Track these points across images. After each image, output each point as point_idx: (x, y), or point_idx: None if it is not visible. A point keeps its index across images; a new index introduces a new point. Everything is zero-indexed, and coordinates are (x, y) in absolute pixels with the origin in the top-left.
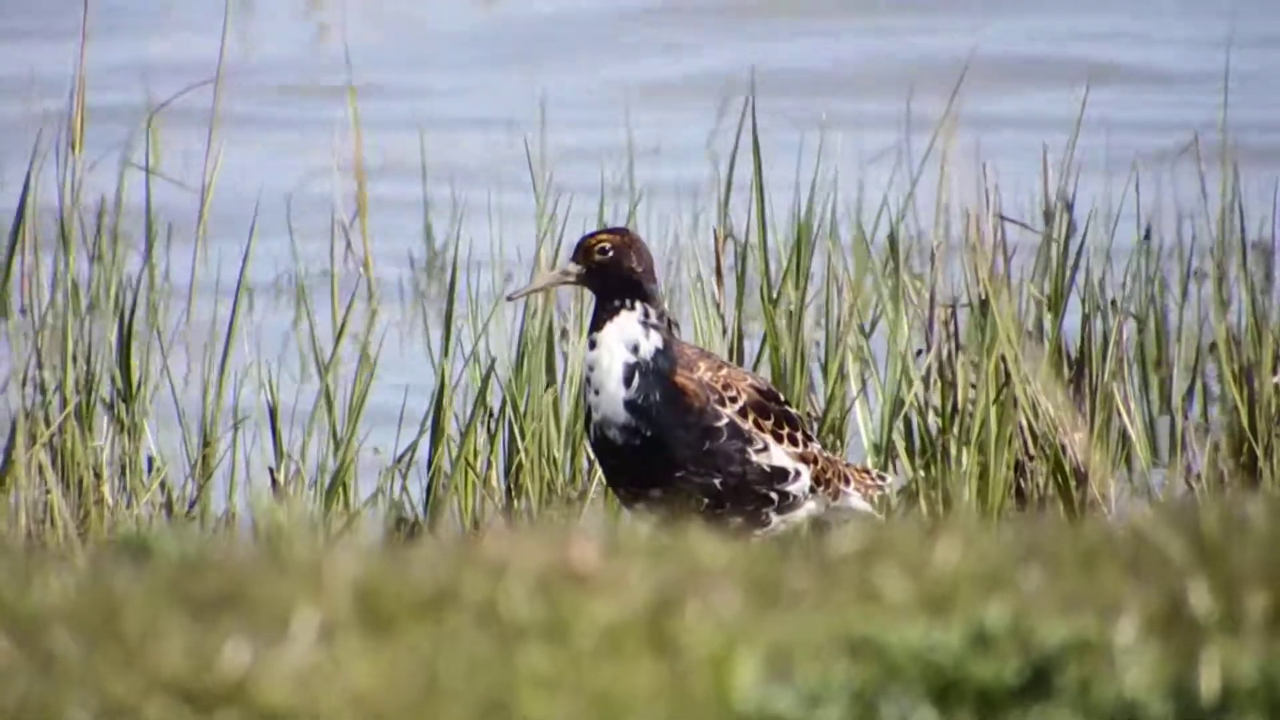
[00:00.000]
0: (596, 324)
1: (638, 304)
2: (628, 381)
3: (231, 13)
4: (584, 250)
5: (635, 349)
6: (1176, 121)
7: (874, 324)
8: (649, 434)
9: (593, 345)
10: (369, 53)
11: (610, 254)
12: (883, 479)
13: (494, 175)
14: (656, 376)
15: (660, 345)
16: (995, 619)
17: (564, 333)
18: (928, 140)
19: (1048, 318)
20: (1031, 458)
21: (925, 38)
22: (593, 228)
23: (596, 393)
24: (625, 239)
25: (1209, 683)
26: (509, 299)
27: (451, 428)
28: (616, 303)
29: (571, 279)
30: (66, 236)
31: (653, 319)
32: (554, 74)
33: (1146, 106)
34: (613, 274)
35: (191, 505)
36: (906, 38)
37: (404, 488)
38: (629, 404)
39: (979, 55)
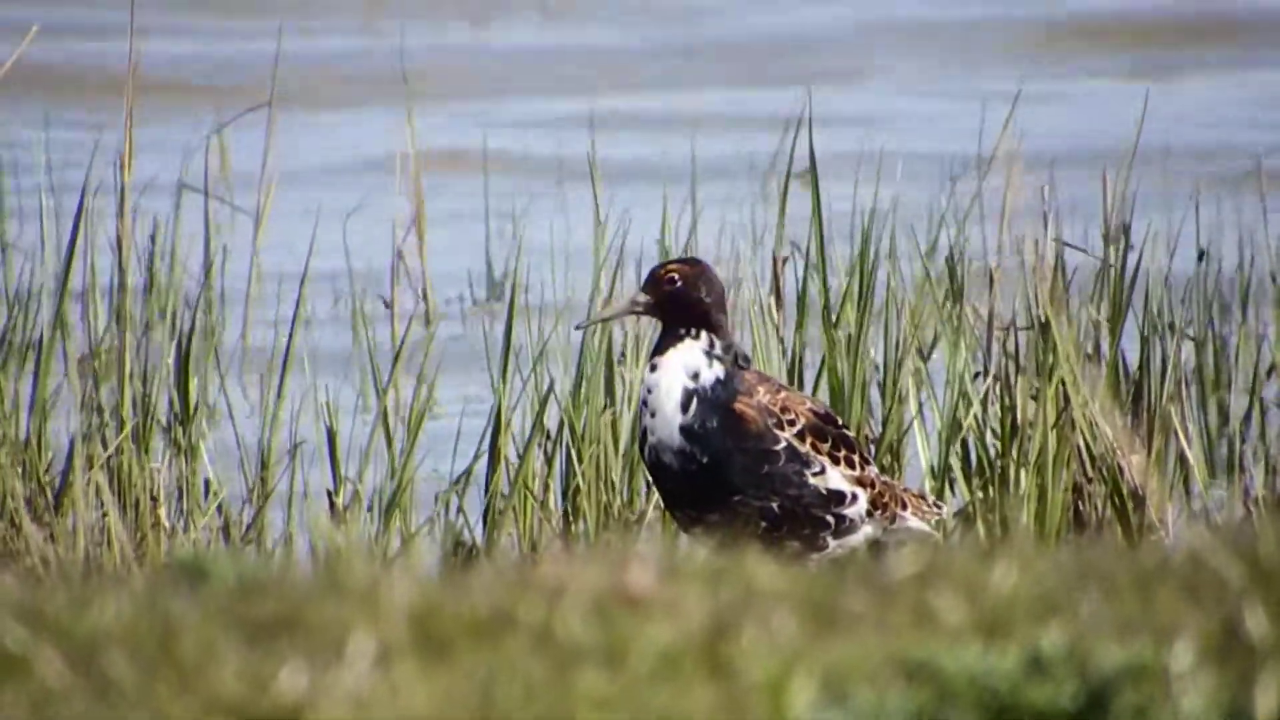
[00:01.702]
0: (659, 349)
1: (703, 334)
2: (685, 407)
3: (286, 33)
4: (654, 280)
5: (695, 376)
6: (1242, 145)
7: (933, 346)
8: (705, 460)
9: (654, 369)
10: (426, 60)
11: (679, 285)
12: (939, 506)
13: (556, 196)
14: (715, 405)
15: (721, 376)
16: (1052, 643)
17: (623, 355)
18: (988, 164)
19: (1106, 340)
20: (1090, 480)
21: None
22: (651, 248)
23: (653, 415)
24: (695, 270)
25: (1265, 707)
26: (577, 329)
27: (509, 450)
28: (682, 330)
29: (640, 309)
30: (123, 258)
31: (717, 350)
32: (609, 93)
33: (1208, 128)
34: (681, 304)
35: (248, 529)
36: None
37: (461, 511)
38: (685, 429)
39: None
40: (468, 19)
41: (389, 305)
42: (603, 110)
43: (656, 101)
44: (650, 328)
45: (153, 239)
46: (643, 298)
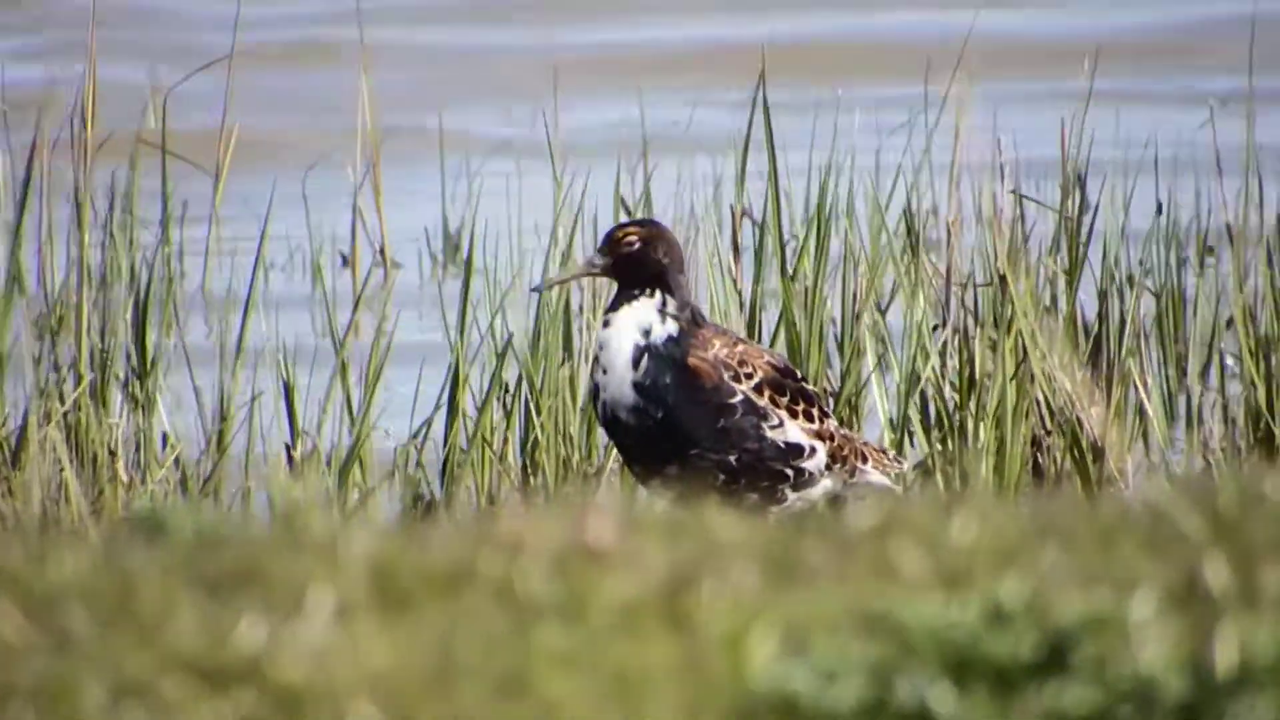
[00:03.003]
0: (613, 306)
1: (658, 292)
2: (636, 363)
3: None
4: (611, 242)
5: (647, 332)
6: (1195, 92)
7: (890, 300)
8: (659, 415)
9: (606, 324)
10: (387, 15)
11: (637, 246)
12: (899, 460)
13: (511, 148)
14: (667, 360)
15: (674, 333)
16: (1011, 595)
17: (580, 309)
18: (942, 114)
19: (1064, 293)
20: (1049, 433)
21: (938, 13)
22: (608, 203)
23: (605, 372)
24: (653, 231)
25: (1226, 658)
26: (534, 291)
27: (468, 405)
28: (637, 290)
29: (598, 270)
30: (80, 213)
31: (671, 308)
32: (569, 45)
33: (1159, 78)
34: (638, 265)
35: (206, 483)
36: (922, 13)
37: (420, 465)
38: (637, 385)
39: (989, 33)
40: None
41: (348, 261)
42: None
43: (610, 54)
44: (607, 284)
45: (111, 193)
46: (599, 259)
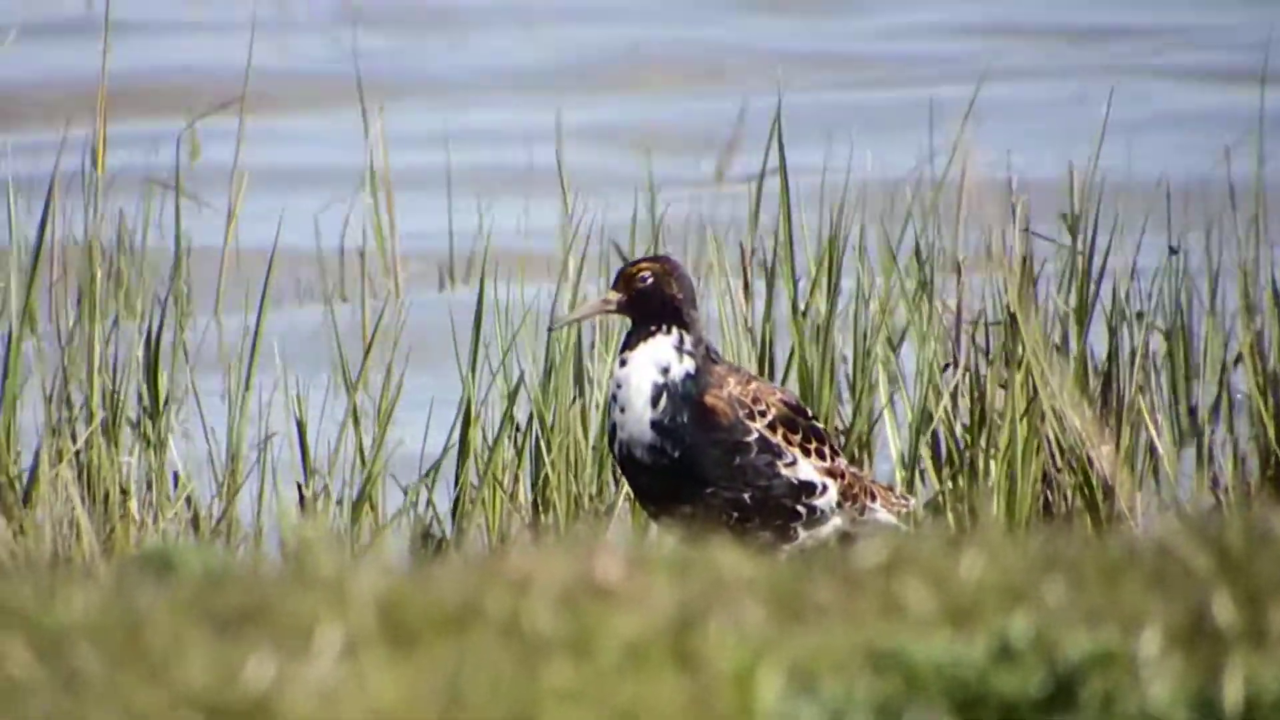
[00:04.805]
0: (629, 344)
1: (674, 329)
2: (655, 402)
3: (260, 27)
4: (625, 279)
5: (665, 370)
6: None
7: (901, 338)
8: (676, 454)
9: (623, 363)
10: (396, 61)
11: (650, 282)
12: (907, 499)
13: (523, 187)
14: (685, 399)
15: (691, 370)
16: (1019, 632)
17: (591, 346)
18: (953, 155)
19: (1074, 331)
20: (1059, 471)
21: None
22: (621, 240)
23: (622, 410)
24: (665, 267)
25: (1232, 696)
26: (550, 330)
27: (479, 442)
28: (653, 326)
29: (612, 308)
30: (91, 252)
31: (687, 345)
32: (576, 100)
33: (1174, 115)
34: (652, 302)
35: (217, 521)
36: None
37: (430, 503)
38: (655, 424)
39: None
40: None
41: (362, 300)
42: (571, 110)
43: (617, 107)
44: (619, 322)
45: (118, 234)
46: (614, 296)
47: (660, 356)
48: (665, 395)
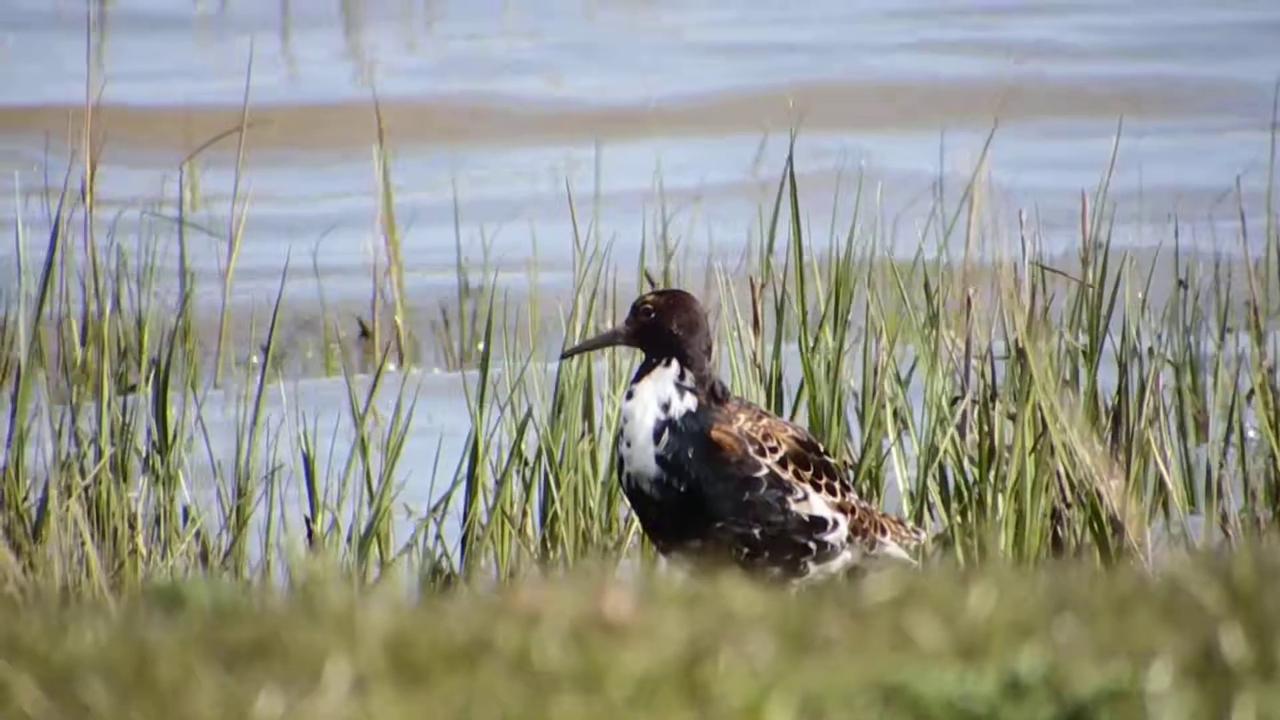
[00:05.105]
0: (636, 377)
1: (674, 363)
2: (657, 437)
3: (262, 57)
4: (634, 311)
5: (666, 407)
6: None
7: (910, 372)
8: (683, 489)
9: (629, 396)
10: (403, 90)
11: (653, 315)
12: (917, 532)
13: (530, 220)
14: (688, 435)
15: (693, 408)
16: (1029, 667)
17: (602, 379)
18: (963, 186)
19: (1084, 365)
20: (1068, 505)
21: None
22: (632, 279)
23: (629, 445)
24: (669, 300)
25: None
26: (562, 357)
27: (488, 478)
28: (654, 360)
29: (620, 339)
30: (98, 285)
31: (688, 382)
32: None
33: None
34: (656, 334)
35: (226, 556)
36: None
37: (439, 538)
38: (659, 459)
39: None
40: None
41: (366, 331)
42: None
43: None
44: (630, 356)
45: (120, 266)
46: (624, 328)
47: (661, 392)
48: (669, 430)
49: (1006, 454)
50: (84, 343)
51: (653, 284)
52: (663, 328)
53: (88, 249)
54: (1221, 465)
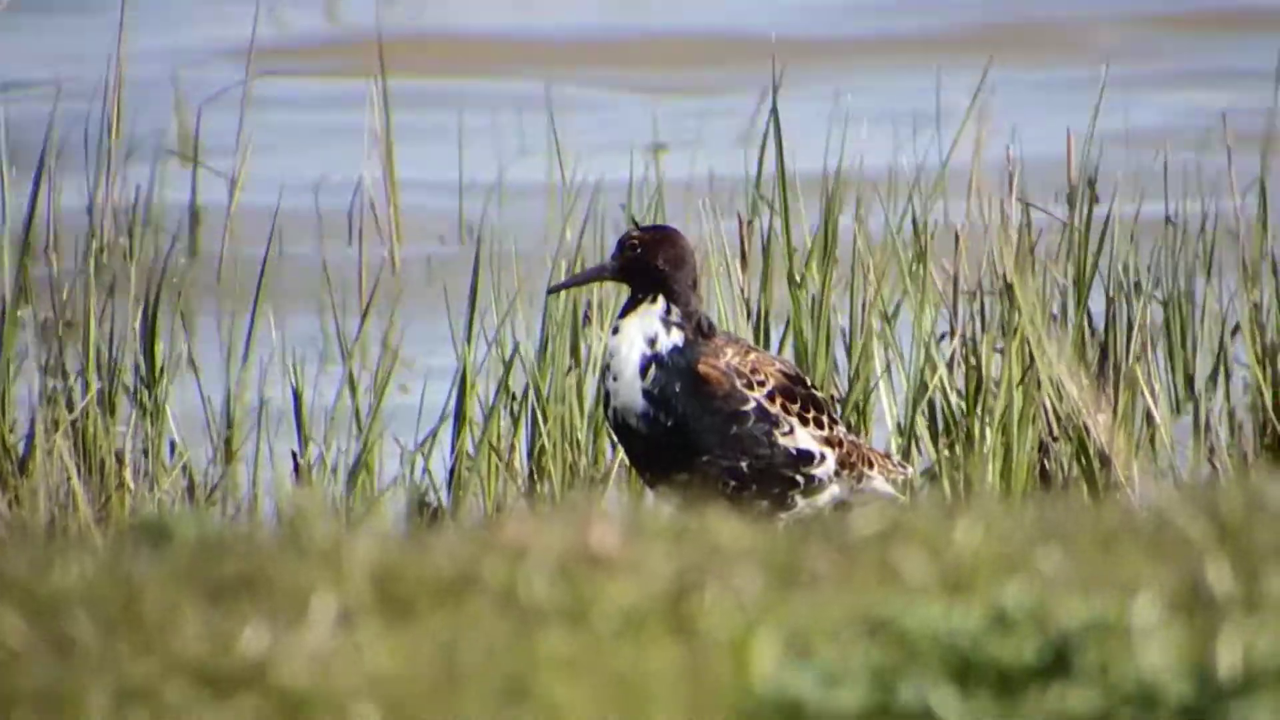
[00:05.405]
0: (623, 313)
1: (660, 299)
2: (644, 372)
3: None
4: (621, 247)
5: (653, 342)
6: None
7: (898, 308)
8: (670, 423)
9: (615, 331)
10: (400, 34)
11: (639, 250)
12: (904, 466)
13: (520, 160)
14: (675, 370)
15: (679, 343)
16: (1015, 600)
17: (587, 317)
18: (953, 120)
19: (1072, 300)
20: (1055, 440)
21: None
22: (616, 215)
23: (615, 379)
24: (654, 236)
25: (1229, 663)
26: (549, 292)
27: (475, 412)
28: (641, 295)
29: (607, 274)
30: (92, 222)
31: (675, 317)
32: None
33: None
34: (642, 271)
35: (213, 490)
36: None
37: (427, 472)
38: (646, 394)
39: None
40: None
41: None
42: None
43: (620, 66)
44: (615, 291)
45: (135, 203)
46: (611, 263)
47: (647, 328)
48: (655, 365)
49: (994, 388)
50: (74, 278)
51: (635, 222)
52: (649, 263)
53: (95, 181)
54: (1209, 399)
